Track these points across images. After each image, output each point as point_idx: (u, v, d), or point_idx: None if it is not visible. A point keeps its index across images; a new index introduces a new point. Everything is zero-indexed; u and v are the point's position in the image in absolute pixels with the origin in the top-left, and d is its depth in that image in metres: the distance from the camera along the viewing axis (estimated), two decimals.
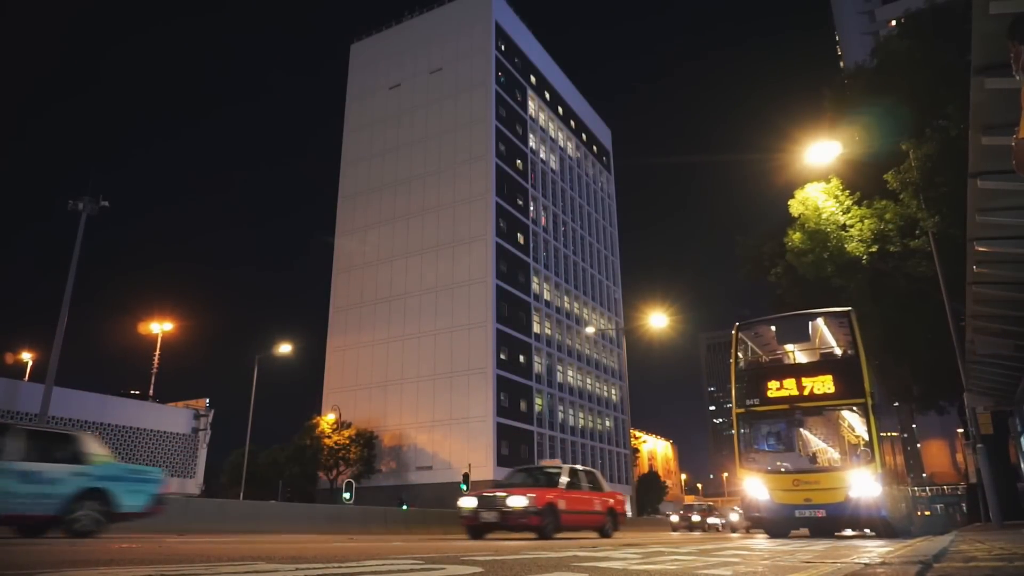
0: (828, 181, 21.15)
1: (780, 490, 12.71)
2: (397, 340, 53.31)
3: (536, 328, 55.63)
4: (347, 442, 46.72)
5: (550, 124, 66.28)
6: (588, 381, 62.92)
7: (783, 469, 13.06)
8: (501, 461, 47.21)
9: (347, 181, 61.34)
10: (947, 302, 16.41)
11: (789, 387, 13.37)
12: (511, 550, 6.37)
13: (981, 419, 17.76)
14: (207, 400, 41.40)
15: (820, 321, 14.68)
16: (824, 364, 14.18)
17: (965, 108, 7.23)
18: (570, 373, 60.18)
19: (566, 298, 62.07)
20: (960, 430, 30.02)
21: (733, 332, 14.74)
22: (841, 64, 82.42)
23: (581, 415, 59.88)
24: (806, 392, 13.17)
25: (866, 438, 12.69)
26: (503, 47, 60.10)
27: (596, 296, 68.10)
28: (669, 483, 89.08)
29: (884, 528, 13.27)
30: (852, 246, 19.89)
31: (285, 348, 38.55)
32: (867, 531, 15.51)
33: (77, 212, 23.42)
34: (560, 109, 68.83)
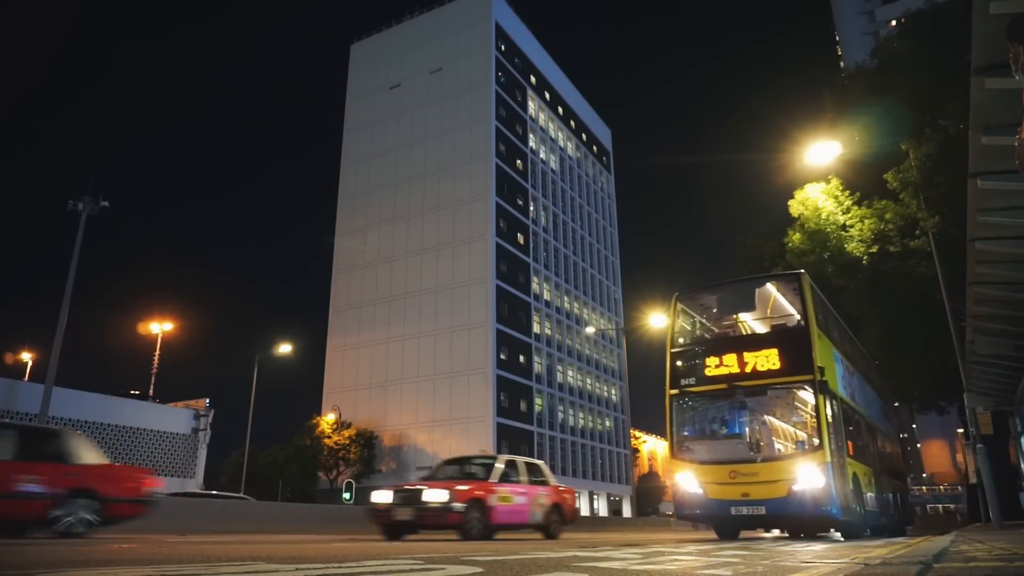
0: (828, 181, 21.17)
1: (715, 484, 11.05)
2: (397, 340, 53.33)
3: (536, 328, 55.64)
4: (347, 442, 46.73)
5: (550, 124, 66.30)
6: (588, 381, 62.93)
7: (719, 459, 11.29)
8: None
9: (347, 181, 61.35)
10: (947, 302, 16.41)
11: (729, 364, 11.58)
12: (510, 550, 6.37)
13: (981, 419, 17.76)
14: (207, 400, 41.41)
15: (769, 287, 12.86)
16: (769, 336, 12.33)
17: (965, 108, 7.23)
18: (570, 373, 60.20)
19: (566, 298, 62.08)
20: (960, 430, 30.04)
21: (672, 303, 13.06)
22: (841, 64, 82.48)
23: (581, 415, 59.89)
24: (748, 369, 11.36)
25: (815, 422, 10.78)
26: (503, 47, 60.11)
27: (596, 296, 68.13)
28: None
29: (844, 528, 11.70)
30: (852, 246, 19.90)
31: (285, 348, 38.55)
32: (834, 532, 13.56)
33: (77, 212, 23.42)
34: (560, 109, 68.85)
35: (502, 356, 50.33)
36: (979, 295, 11.50)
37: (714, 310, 13.44)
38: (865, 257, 19.70)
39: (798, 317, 11.70)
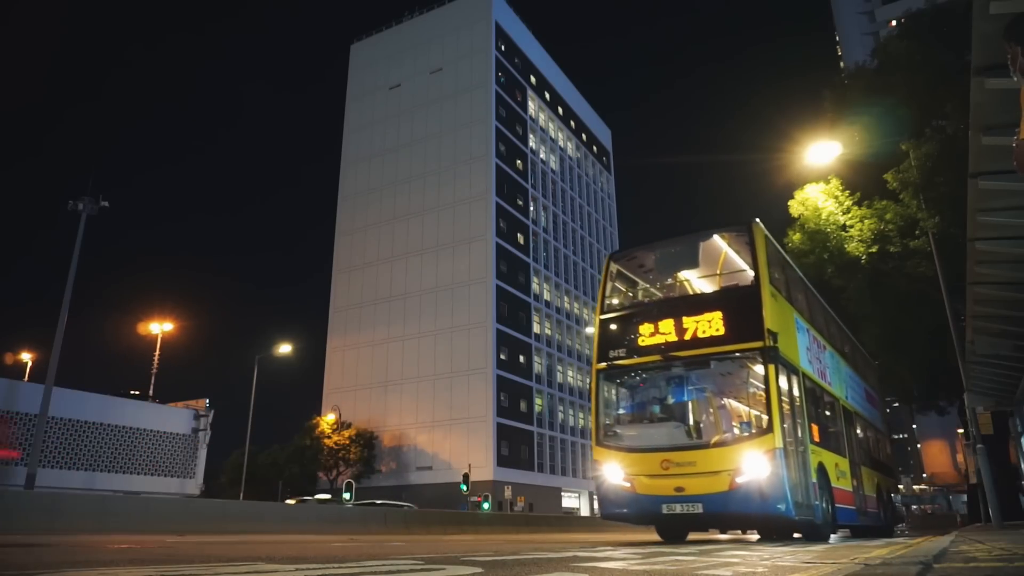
0: (828, 181, 21.18)
1: (644, 476, 9.27)
2: (397, 340, 53.31)
3: (536, 328, 55.64)
4: (347, 442, 46.73)
5: (550, 124, 66.31)
6: (588, 381, 62.95)
7: (649, 446, 9.49)
8: (501, 461, 47.26)
9: (347, 181, 61.35)
10: (947, 302, 16.41)
11: (666, 331, 9.73)
12: (511, 550, 6.37)
13: (981, 419, 17.75)
14: (207, 400, 41.41)
15: (717, 241, 10.87)
16: (713, 298, 10.39)
17: (965, 108, 7.24)
18: (570, 373, 60.21)
19: (566, 298, 62.09)
20: (960, 430, 30.04)
21: (605, 264, 11.35)
22: (841, 64, 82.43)
23: (581, 415, 59.89)
24: (687, 336, 9.56)
25: (765, 400, 9.01)
26: (503, 47, 60.11)
27: (596, 296, 68.14)
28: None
29: (803, 529, 10.03)
30: (852, 246, 19.91)
31: (285, 348, 38.56)
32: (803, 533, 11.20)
33: (77, 213, 23.43)
34: (560, 109, 68.85)
35: (502, 356, 50.32)
36: (979, 295, 11.49)
37: (654, 270, 11.56)
38: (865, 257, 19.70)
39: (751, 274, 9.76)
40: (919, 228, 17.77)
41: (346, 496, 31.90)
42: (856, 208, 20.16)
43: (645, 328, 10.03)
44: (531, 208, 58.92)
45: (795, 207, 21.89)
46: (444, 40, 60.47)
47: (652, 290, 11.60)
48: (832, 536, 11.26)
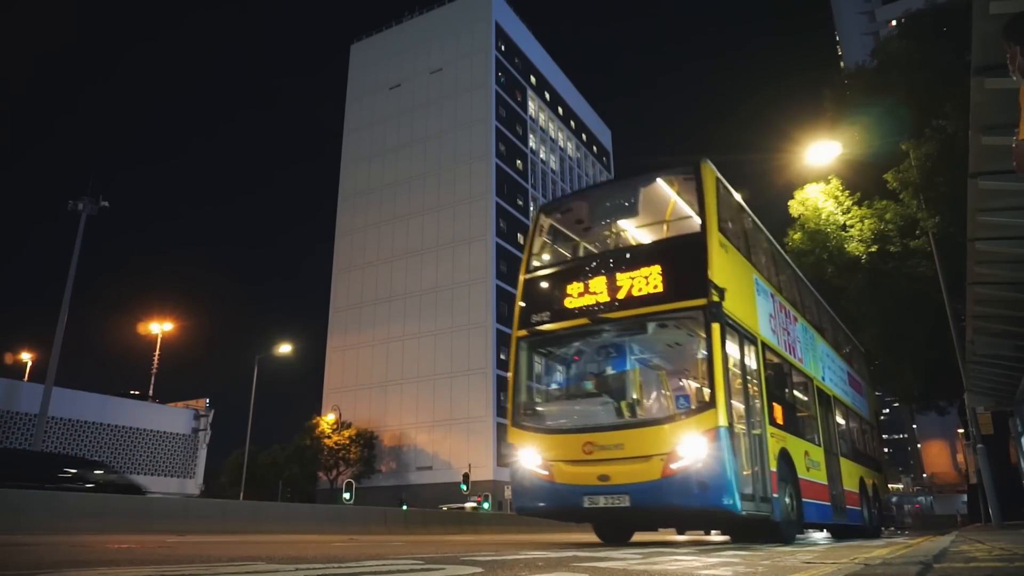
0: (828, 181, 21.19)
1: (563, 462, 7.80)
2: (397, 340, 53.32)
3: None
4: (347, 442, 46.75)
5: (550, 124, 66.33)
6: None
7: (570, 427, 8.11)
8: (501, 461, 47.24)
9: (347, 181, 61.36)
10: (947, 302, 16.41)
11: (597, 290, 8.30)
12: (511, 550, 6.37)
13: (981, 419, 17.77)
14: (207, 400, 41.43)
15: (660, 185, 9.25)
16: (651, 249, 8.96)
17: (964, 108, 7.24)
18: None
19: None
20: (960, 430, 30.05)
21: (533, 218, 9.89)
22: (841, 64, 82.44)
23: None
24: (621, 295, 8.10)
25: (707, 369, 7.49)
26: (503, 47, 60.11)
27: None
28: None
29: (758, 528, 8.52)
30: (852, 246, 19.92)
31: (285, 348, 38.57)
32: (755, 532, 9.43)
33: (77, 212, 23.44)
34: (560, 109, 68.86)
35: (502, 356, 50.31)
36: (979, 295, 11.49)
37: (589, 222, 9.90)
38: (865, 257, 19.71)
39: (697, 222, 8.26)
40: (919, 228, 17.77)
41: (346, 496, 31.94)
42: (856, 208, 20.17)
43: (574, 288, 8.51)
44: (531, 208, 58.93)
45: (795, 207, 21.90)
46: (444, 40, 60.48)
47: (587, 246, 9.85)
48: (800, 536, 10.20)
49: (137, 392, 59.06)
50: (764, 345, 8.87)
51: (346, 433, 47.23)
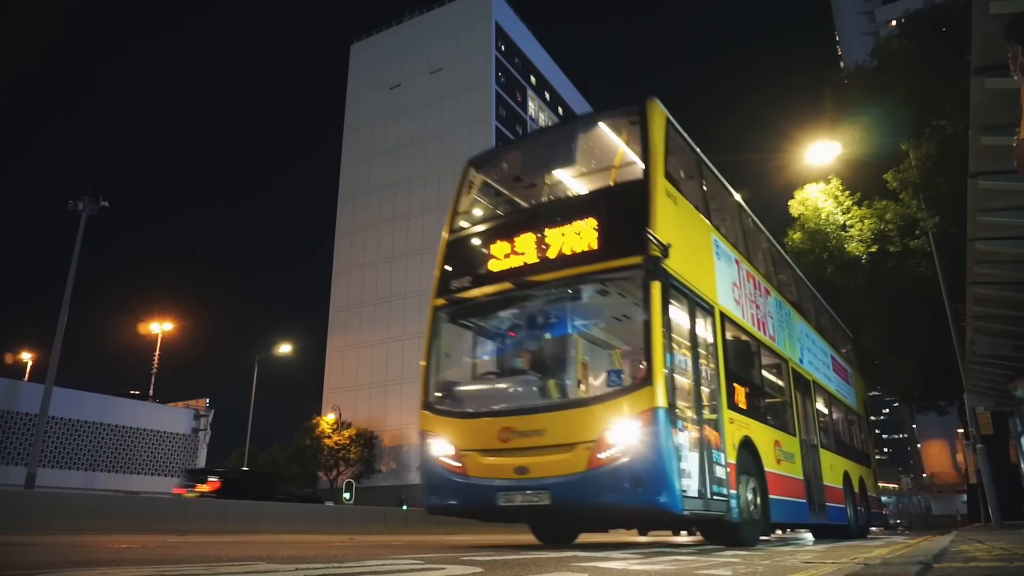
0: (828, 181, 21.23)
1: (478, 451, 6.65)
2: (397, 340, 53.33)
3: None
4: (347, 442, 46.76)
5: (550, 124, 66.38)
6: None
7: (486, 410, 6.91)
8: None
9: (347, 181, 61.38)
10: (947, 302, 16.42)
11: (524, 249, 7.18)
12: (512, 550, 6.37)
13: (981, 419, 17.78)
14: (207, 400, 41.44)
15: (601, 129, 8.03)
16: (586, 201, 7.73)
17: (964, 108, 7.25)
18: None
19: None
20: (960, 430, 30.06)
21: (462, 172, 8.56)
22: (841, 64, 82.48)
23: None
24: (551, 254, 6.95)
25: (644, 339, 6.19)
26: (503, 47, 60.13)
27: None
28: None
29: (711, 529, 7.62)
30: (852, 246, 19.95)
31: (285, 348, 38.58)
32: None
33: (77, 212, 23.45)
34: (560, 109, 68.87)
35: None
36: (979, 295, 11.49)
37: (523, 174, 8.65)
38: (865, 257, 19.73)
39: (641, 167, 7.02)
40: (919, 228, 17.79)
41: (346, 496, 31.94)
42: (856, 208, 20.20)
43: (498, 248, 7.32)
44: None
45: (795, 207, 21.92)
46: (444, 40, 60.48)
47: (520, 202, 8.62)
48: (772, 536, 9.16)
49: (137, 392, 59.09)
50: (724, 316, 7.66)
51: (346, 433, 47.24)
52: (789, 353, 10.47)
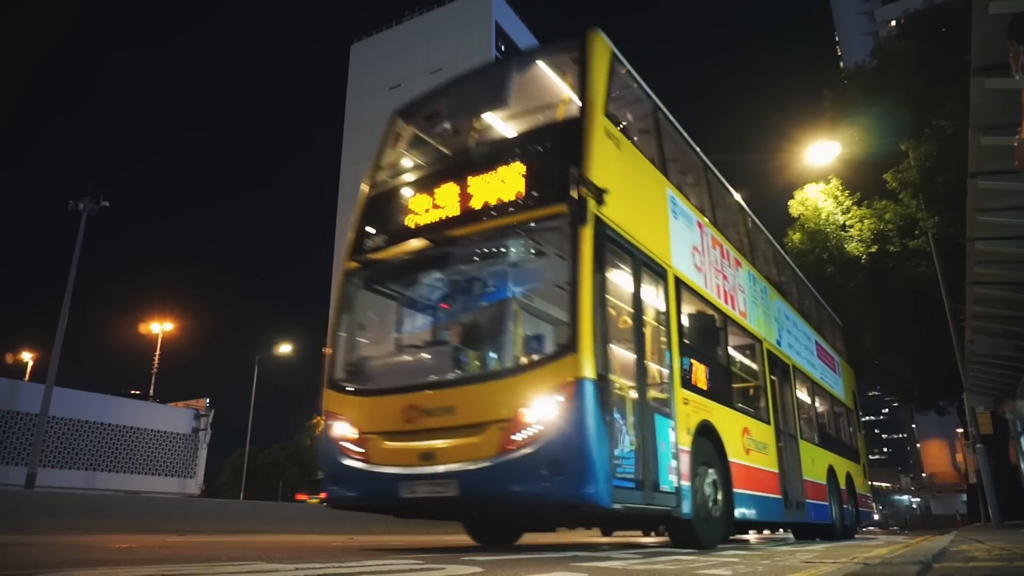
0: (828, 181, 21.26)
1: (381, 434, 5.73)
2: None
3: None
4: None
5: None
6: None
7: (391, 386, 5.96)
8: None
9: (347, 181, 61.40)
10: (947, 302, 16.44)
11: (445, 202, 6.23)
12: (513, 550, 6.38)
13: (981, 419, 17.81)
14: (207, 400, 41.45)
15: (539, 67, 7.01)
16: (512, 144, 6.58)
17: (964, 108, 7.26)
18: None
19: None
20: (960, 430, 30.09)
21: (387, 123, 7.68)
22: (841, 64, 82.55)
23: None
24: (475, 204, 6.01)
25: (569, 297, 5.26)
26: (503, 47, 60.16)
27: None
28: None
29: (672, 528, 6.69)
30: (852, 246, 19.97)
31: (285, 348, 38.59)
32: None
33: (77, 212, 23.47)
34: None
35: None
36: (979, 295, 11.51)
37: (453, 121, 7.62)
38: (865, 257, 19.75)
39: (578, 104, 6.11)
40: (919, 228, 17.81)
41: None
42: (856, 208, 20.23)
43: (418, 202, 6.42)
44: None
45: (795, 207, 21.96)
46: (444, 40, 60.53)
47: (449, 151, 7.62)
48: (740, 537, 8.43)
49: (137, 392, 59.09)
50: (680, 282, 6.77)
51: None
52: (764, 333, 9.50)
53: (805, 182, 21.92)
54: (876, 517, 63.40)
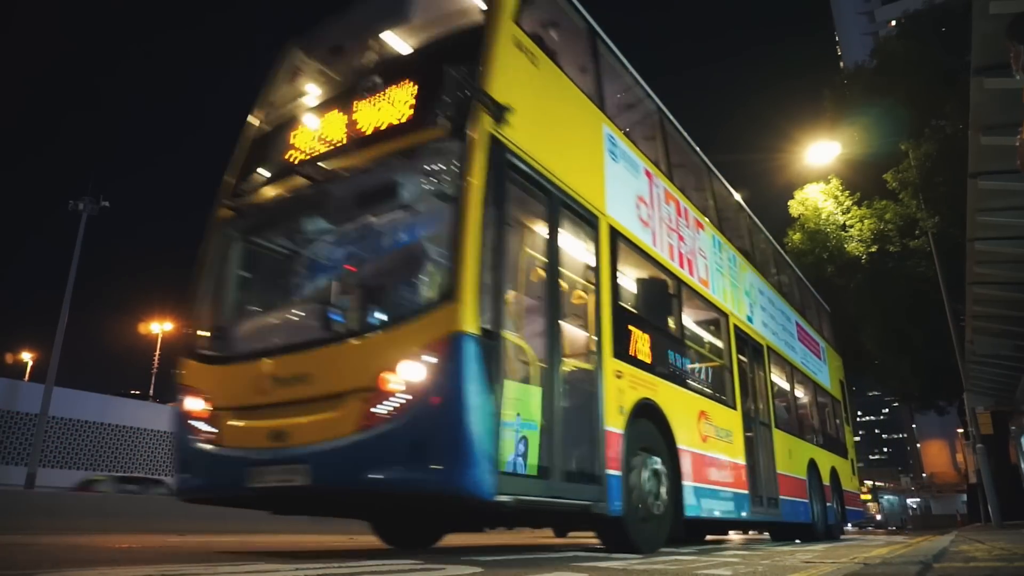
0: (828, 181, 21.28)
1: (231, 409, 4.78)
2: None
3: None
4: None
5: None
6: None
7: (245, 349, 5.07)
8: None
9: None
10: (947, 302, 16.45)
11: (331, 134, 5.27)
12: (513, 551, 6.38)
13: (981, 419, 17.81)
14: None
15: None
16: (405, 62, 5.72)
17: (964, 108, 7.26)
18: None
19: None
20: (960, 430, 30.10)
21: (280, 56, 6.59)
22: (841, 64, 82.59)
23: None
24: (365, 128, 5.01)
25: (450, 232, 4.09)
26: None
27: None
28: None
29: (604, 529, 5.46)
30: (852, 246, 19.99)
31: None
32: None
33: (77, 213, 23.49)
34: None
35: None
36: (979, 295, 11.51)
37: (349, 46, 6.45)
38: (865, 257, 19.77)
39: (482, 8, 5.10)
40: (919, 228, 17.83)
41: None
42: (856, 208, 20.25)
43: (301, 137, 5.49)
44: None
45: (795, 207, 21.98)
46: None
47: (342, 79, 6.44)
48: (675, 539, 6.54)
49: (137, 392, 59.11)
50: (616, 234, 5.79)
51: None
52: (731, 306, 8.52)
53: (805, 182, 21.95)
54: (878, 517, 63.33)
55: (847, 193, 20.68)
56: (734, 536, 13.78)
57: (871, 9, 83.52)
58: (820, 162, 18.65)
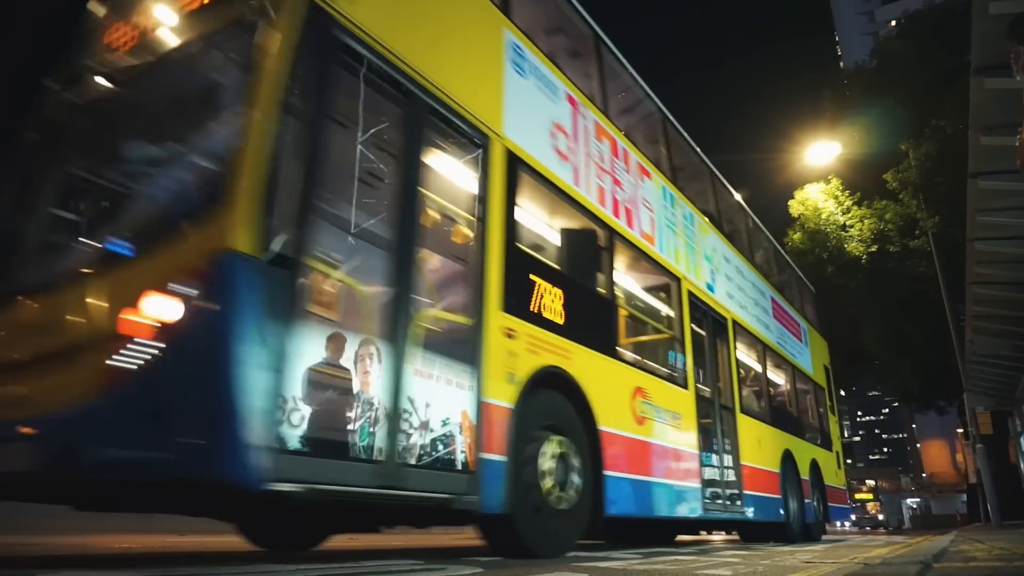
0: (828, 181, 21.30)
1: None
2: None
3: None
4: None
5: None
6: None
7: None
8: None
9: None
10: (947, 302, 16.46)
11: (124, 36, 4.00)
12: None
13: (981, 419, 17.83)
14: None
15: None
16: None
17: (964, 108, 7.27)
18: None
19: None
20: (960, 430, 30.12)
21: None
22: (841, 64, 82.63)
23: None
24: (154, 32, 3.81)
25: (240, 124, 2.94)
26: None
27: None
28: None
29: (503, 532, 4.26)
30: (852, 246, 20.00)
31: None
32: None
33: None
34: None
35: None
36: (979, 295, 11.52)
37: None
38: (865, 257, 19.77)
39: None
40: (919, 228, 17.85)
41: None
42: (856, 208, 20.27)
43: (103, 41, 4.26)
44: None
45: (795, 207, 22.00)
46: None
47: None
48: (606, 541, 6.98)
49: None
50: (516, 161, 4.81)
51: None
52: (684, 269, 7.41)
53: (805, 182, 21.97)
54: (881, 517, 63.28)
55: (847, 193, 20.69)
56: (716, 537, 12.74)
57: (871, 9, 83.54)
58: (820, 162, 18.67)
